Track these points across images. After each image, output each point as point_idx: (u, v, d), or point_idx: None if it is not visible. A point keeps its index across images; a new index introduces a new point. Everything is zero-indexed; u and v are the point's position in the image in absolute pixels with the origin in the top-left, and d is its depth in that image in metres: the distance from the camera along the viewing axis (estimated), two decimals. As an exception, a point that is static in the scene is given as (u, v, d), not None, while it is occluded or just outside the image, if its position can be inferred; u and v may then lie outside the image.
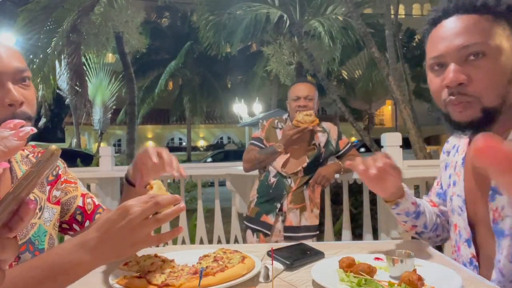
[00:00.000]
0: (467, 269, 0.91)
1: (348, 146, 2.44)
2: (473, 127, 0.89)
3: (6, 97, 0.82)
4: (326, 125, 2.45)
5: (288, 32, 10.34)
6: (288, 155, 2.27)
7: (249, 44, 17.83)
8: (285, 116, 2.43)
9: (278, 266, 0.92)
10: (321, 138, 2.36)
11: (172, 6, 19.61)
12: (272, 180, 2.28)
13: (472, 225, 0.97)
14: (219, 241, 3.11)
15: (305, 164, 2.27)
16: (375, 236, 2.86)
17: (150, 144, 24.88)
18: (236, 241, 3.07)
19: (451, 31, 0.90)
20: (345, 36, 10.02)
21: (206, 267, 0.85)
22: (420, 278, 0.75)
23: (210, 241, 3.17)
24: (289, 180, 2.25)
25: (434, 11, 0.95)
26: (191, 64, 18.70)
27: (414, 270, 0.78)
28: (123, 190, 1.09)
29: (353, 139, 20.75)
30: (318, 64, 7.14)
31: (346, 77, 17.62)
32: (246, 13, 9.63)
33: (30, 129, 0.64)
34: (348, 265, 0.85)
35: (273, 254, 0.85)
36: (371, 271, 0.82)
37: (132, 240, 0.70)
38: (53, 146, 0.42)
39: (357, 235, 3.22)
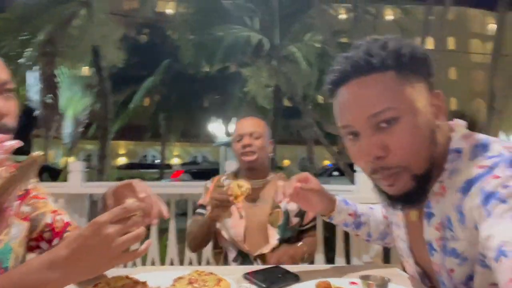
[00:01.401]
0: None
1: (313, 220, 1.74)
2: (407, 199, 0.80)
3: None
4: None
5: (267, 55, 10.56)
6: (244, 221, 1.65)
7: (227, 65, 18.02)
8: (235, 170, 1.87)
9: (252, 288, 0.90)
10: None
11: (152, 23, 19.66)
12: (233, 265, 1.64)
13: (420, 265, 0.95)
14: (190, 263, 3.03)
15: (274, 242, 1.62)
16: (347, 260, 2.87)
17: (122, 160, 24.31)
18: (208, 262, 3.00)
19: (355, 99, 0.79)
20: (322, 62, 10.33)
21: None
22: (394, 303, 0.76)
23: (181, 262, 3.09)
24: (257, 263, 1.60)
25: (333, 72, 0.84)
26: (168, 81, 18.61)
27: (389, 295, 0.79)
28: (97, 209, 1.06)
29: (327, 162, 21.05)
30: (295, 87, 7.30)
31: (322, 101, 18.02)
32: (227, 35, 9.79)
33: (16, 142, 0.62)
34: (324, 289, 0.85)
35: (251, 276, 0.84)
36: (347, 295, 0.82)
37: (105, 256, 0.68)
38: (36, 153, 0.41)
39: (329, 258, 3.23)
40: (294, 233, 1.70)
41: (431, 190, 0.82)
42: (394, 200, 0.82)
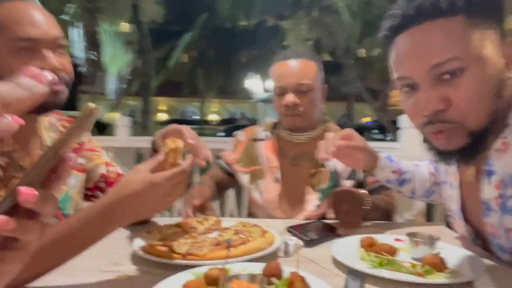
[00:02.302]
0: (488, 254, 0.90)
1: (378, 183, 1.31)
2: (463, 153, 0.75)
3: (46, 64, 0.82)
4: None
5: (307, 7, 10.08)
6: (279, 186, 1.36)
7: (266, 18, 17.49)
8: (276, 120, 1.52)
9: (298, 242, 0.93)
10: None
11: (189, -24, 19.22)
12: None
13: (472, 226, 0.93)
14: (231, 215, 3.15)
15: (311, 209, 1.30)
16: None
17: (163, 115, 25.02)
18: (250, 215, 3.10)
19: (417, 48, 0.73)
20: (366, 13, 9.72)
21: (228, 239, 0.86)
22: (443, 261, 0.74)
23: (222, 215, 3.21)
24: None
25: (391, 17, 0.76)
26: (206, 36, 18.45)
27: (438, 253, 0.77)
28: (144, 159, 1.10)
29: (368, 118, 20.50)
30: (337, 40, 6.98)
31: (364, 55, 17.24)
32: (265, -15, 9.39)
33: (52, 77, 0.63)
34: (369, 245, 0.85)
35: (295, 230, 0.85)
36: (392, 251, 0.82)
37: (156, 207, 0.74)
38: (92, 104, 0.41)
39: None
40: None
41: (491, 147, 0.77)
42: (446, 155, 0.78)
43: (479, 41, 0.70)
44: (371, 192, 1.27)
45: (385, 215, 1.26)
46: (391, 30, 0.78)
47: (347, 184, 1.34)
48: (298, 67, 1.33)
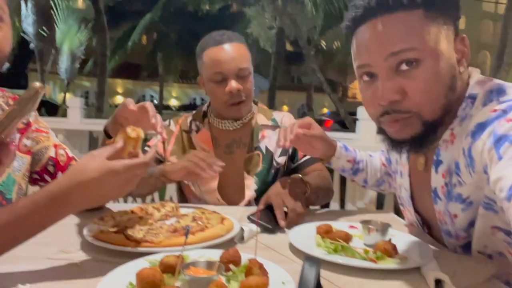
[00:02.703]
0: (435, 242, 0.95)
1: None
2: (414, 142, 0.79)
3: None
4: (279, 115, 1.46)
5: (271, -5, 10.05)
6: (217, 176, 1.31)
7: (229, 4, 17.23)
8: (203, 107, 1.44)
9: (254, 228, 0.92)
10: (270, 138, 1.37)
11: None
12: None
13: (420, 214, 0.98)
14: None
15: (250, 194, 1.31)
16: (341, 205, 2.96)
17: (119, 98, 24.11)
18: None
19: (376, 37, 0.75)
20: (329, 5, 9.87)
21: (185, 226, 0.84)
22: (394, 247, 0.78)
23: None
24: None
25: (355, 7, 0.78)
26: (167, 19, 17.89)
27: (389, 240, 0.81)
28: (100, 144, 1.05)
29: (325, 110, 21.01)
30: (299, 30, 7.03)
31: (325, 47, 17.56)
32: (229, -31, 9.22)
33: None
34: (325, 231, 0.87)
35: (258, 215, 0.85)
36: (347, 238, 0.84)
37: (115, 192, 0.71)
38: (37, 83, 0.38)
39: (323, 204, 3.32)
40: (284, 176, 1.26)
41: (441, 138, 0.81)
42: (399, 144, 0.81)
43: (435, 35, 0.73)
44: (303, 164, 1.34)
45: (326, 191, 1.28)
46: (353, 20, 0.80)
47: (280, 161, 1.34)
48: (235, 50, 1.26)
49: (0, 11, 0.81)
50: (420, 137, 0.77)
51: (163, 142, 1.36)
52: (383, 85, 0.75)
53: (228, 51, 1.26)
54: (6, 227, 0.64)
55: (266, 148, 1.35)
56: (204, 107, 1.43)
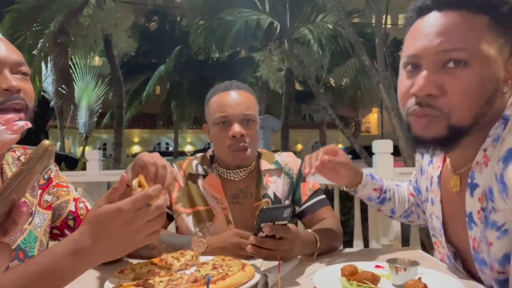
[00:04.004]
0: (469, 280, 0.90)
1: (316, 195, 1.31)
2: (435, 144, 0.78)
3: (3, 82, 0.81)
4: (282, 156, 1.40)
5: (278, 39, 10.42)
6: (233, 227, 1.23)
7: (238, 50, 17.88)
8: (209, 152, 1.37)
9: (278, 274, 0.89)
10: (277, 184, 1.31)
11: (161, 10, 19.55)
12: None
13: (453, 244, 0.94)
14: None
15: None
16: (365, 243, 2.85)
17: (136, 148, 24.61)
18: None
19: (434, 28, 0.75)
20: (334, 44, 10.15)
21: (206, 275, 0.82)
22: (425, 286, 0.74)
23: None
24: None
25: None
26: (180, 68, 18.60)
27: (419, 278, 0.77)
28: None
29: (340, 146, 20.93)
30: (307, 70, 7.20)
31: (334, 85, 17.82)
32: (236, 18, 9.68)
33: (25, 123, 0.61)
34: (350, 273, 0.84)
35: (279, 263, 0.83)
36: (374, 279, 0.81)
37: (128, 241, 0.68)
38: (46, 141, 0.38)
39: (344, 242, 3.20)
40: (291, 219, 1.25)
41: (474, 160, 0.79)
42: (422, 144, 0.80)
43: (491, 45, 0.73)
44: (310, 208, 1.28)
45: (334, 249, 1.19)
46: (419, 9, 0.80)
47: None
48: (242, 97, 1.27)
49: (26, 67, 0.87)
50: (443, 139, 0.77)
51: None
52: (426, 77, 0.75)
53: (234, 97, 1.26)
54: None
55: (275, 195, 1.30)
56: (210, 152, 1.37)
